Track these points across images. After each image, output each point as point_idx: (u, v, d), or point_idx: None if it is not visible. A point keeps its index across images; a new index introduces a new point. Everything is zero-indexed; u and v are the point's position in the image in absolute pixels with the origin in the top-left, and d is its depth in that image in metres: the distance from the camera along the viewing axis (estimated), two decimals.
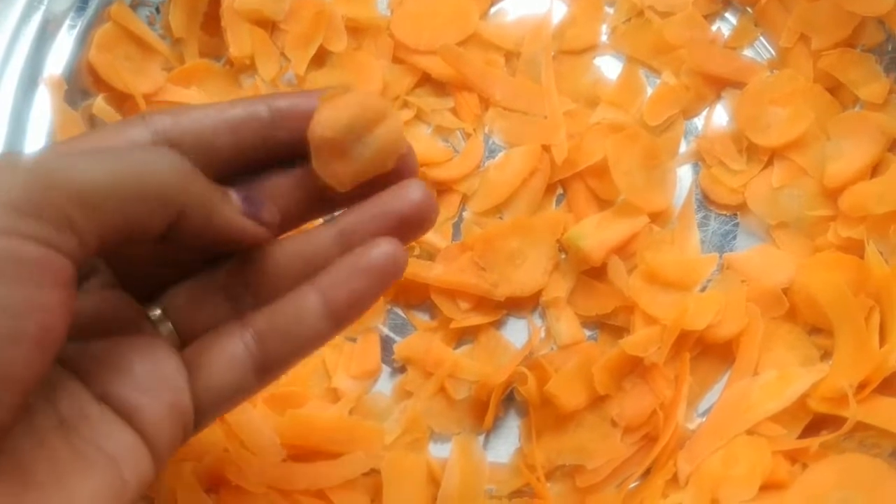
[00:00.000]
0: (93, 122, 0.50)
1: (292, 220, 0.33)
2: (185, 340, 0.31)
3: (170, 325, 0.31)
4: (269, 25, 0.55)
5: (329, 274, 0.31)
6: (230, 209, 0.28)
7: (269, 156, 0.31)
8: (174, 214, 0.26)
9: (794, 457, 0.45)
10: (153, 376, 0.28)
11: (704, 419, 0.47)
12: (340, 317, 0.30)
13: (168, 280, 0.32)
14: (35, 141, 0.48)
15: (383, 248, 0.30)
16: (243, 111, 0.30)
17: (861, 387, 0.44)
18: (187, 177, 0.26)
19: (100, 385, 0.27)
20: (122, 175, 0.25)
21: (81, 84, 0.50)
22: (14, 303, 0.23)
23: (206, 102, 0.51)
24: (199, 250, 0.31)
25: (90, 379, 0.27)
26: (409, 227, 0.31)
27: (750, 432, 0.45)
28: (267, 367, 0.31)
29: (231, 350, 0.30)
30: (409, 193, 0.31)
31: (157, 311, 0.31)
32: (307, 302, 0.30)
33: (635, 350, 0.47)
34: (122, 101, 0.51)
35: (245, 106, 0.30)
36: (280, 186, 0.32)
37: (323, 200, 0.32)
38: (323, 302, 0.30)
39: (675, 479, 0.45)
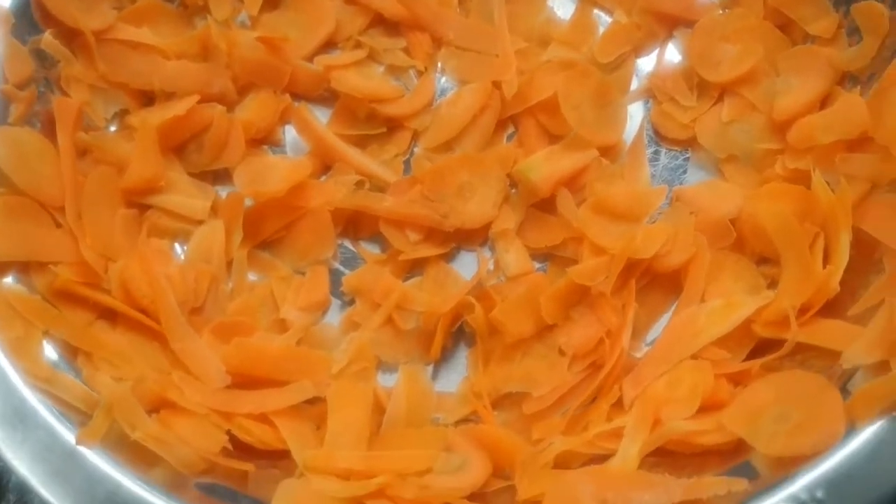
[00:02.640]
0: (41, 56, 0.50)
1: None
2: None
3: None
4: None
5: None
6: None
7: None
8: None
9: (737, 380, 0.44)
10: None
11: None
12: None
13: None
14: None
15: None
16: None
17: (804, 310, 0.44)
18: None
19: None
20: None
21: (30, 19, 0.50)
22: None
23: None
24: None
25: None
26: None
27: (695, 357, 0.45)
28: None
29: None
30: None
31: None
32: None
33: (583, 279, 0.47)
34: (72, 37, 0.51)
35: None
36: None
37: None
38: None
39: (619, 403, 0.45)
